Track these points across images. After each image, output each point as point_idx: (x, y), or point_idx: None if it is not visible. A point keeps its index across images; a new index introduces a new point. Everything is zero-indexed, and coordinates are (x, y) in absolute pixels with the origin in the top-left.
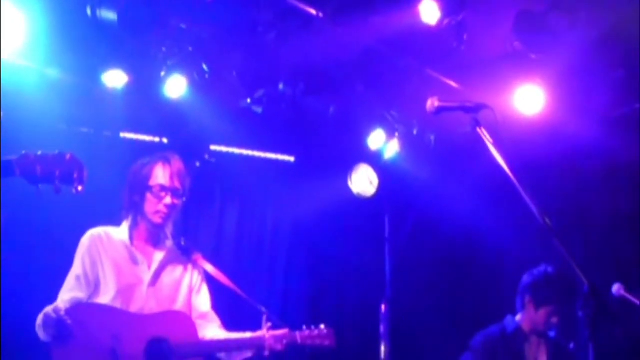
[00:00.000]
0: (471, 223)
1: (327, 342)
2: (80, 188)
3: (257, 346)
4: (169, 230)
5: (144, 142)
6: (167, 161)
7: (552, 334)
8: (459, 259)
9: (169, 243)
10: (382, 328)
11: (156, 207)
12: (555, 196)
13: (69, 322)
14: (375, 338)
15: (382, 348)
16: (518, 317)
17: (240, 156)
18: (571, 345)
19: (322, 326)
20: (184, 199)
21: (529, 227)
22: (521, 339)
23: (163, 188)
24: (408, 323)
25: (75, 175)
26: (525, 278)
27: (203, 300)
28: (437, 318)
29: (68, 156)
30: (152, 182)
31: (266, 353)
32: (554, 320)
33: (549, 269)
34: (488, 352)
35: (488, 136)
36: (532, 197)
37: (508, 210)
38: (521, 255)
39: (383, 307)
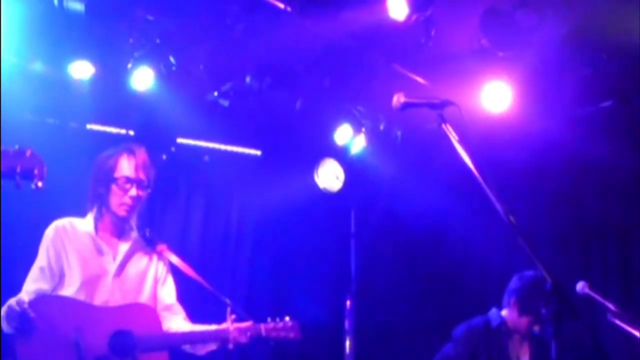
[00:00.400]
0: (437, 218)
1: (292, 335)
2: (40, 184)
3: (221, 338)
4: (134, 221)
5: (110, 134)
6: (131, 153)
7: (536, 329)
8: (424, 254)
9: (134, 234)
10: (347, 323)
11: (121, 199)
12: (520, 194)
13: (32, 314)
14: (340, 333)
15: (347, 343)
16: (504, 313)
17: (207, 149)
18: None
19: (287, 318)
20: (149, 190)
21: (495, 223)
22: (505, 334)
23: (128, 180)
24: (373, 318)
25: (36, 171)
26: (515, 280)
27: (168, 292)
28: (402, 313)
29: (28, 152)
30: (117, 174)
31: (230, 345)
32: (536, 328)
33: (538, 277)
34: (471, 344)
35: (453, 133)
36: (497, 195)
37: (474, 206)
38: (487, 250)
39: (348, 302)
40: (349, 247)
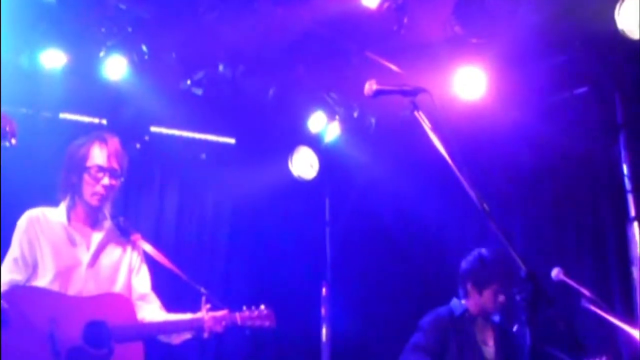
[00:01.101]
0: (411, 205)
1: (267, 323)
2: (13, 141)
3: (196, 327)
4: (107, 210)
5: (83, 123)
6: (103, 141)
7: (496, 318)
8: (399, 241)
9: (108, 223)
10: (323, 310)
11: (93, 188)
12: (493, 181)
13: (5, 306)
14: (317, 320)
15: (324, 330)
16: (464, 301)
17: (181, 138)
18: (514, 328)
19: (262, 307)
20: (122, 179)
21: (469, 209)
22: (469, 321)
23: (100, 169)
24: (349, 304)
25: (7, 129)
26: (463, 265)
27: (142, 282)
28: (377, 300)
29: None
30: (89, 163)
31: (205, 334)
32: (501, 299)
33: (483, 252)
34: (439, 332)
35: (426, 120)
36: (470, 182)
37: (448, 193)
38: (461, 236)
39: (324, 289)
40: (324, 235)
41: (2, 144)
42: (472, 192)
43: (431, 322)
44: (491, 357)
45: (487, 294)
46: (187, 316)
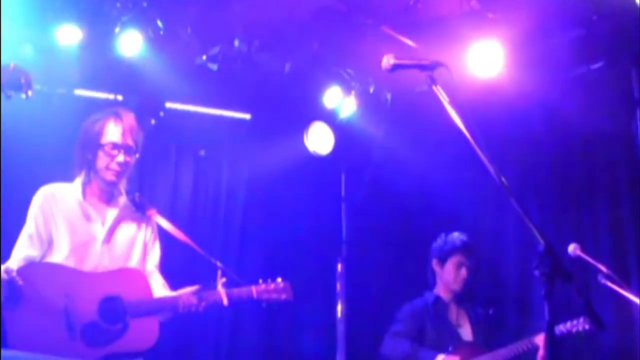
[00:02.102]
0: (427, 181)
1: (283, 296)
2: (30, 93)
3: (212, 302)
4: (122, 186)
5: (98, 100)
6: (118, 117)
7: (467, 304)
8: (415, 217)
9: (123, 199)
10: (338, 286)
11: (109, 164)
12: (511, 157)
13: (20, 282)
14: (332, 297)
15: (339, 306)
16: (435, 290)
17: (196, 113)
18: (490, 311)
19: (279, 280)
20: (137, 155)
21: (486, 185)
22: (442, 307)
23: (115, 146)
24: (365, 281)
25: (23, 81)
26: (430, 253)
27: (151, 259)
28: (394, 276)
29: (12, 65)
30: (103, 140)
31: (199, 307)
32: (463, 272)
33: (448, 235)
34: (415, 320)
35: (444, 94)
36: (488, 157)
37: (464, 169)
38: (478, 212)
39: (339, 265)
40: (339, 210)
41: (18, 96)
42: (490, 166)
43: (407, 312)
44: (469, 338)
45: (449, 266)
46: (190, 288)
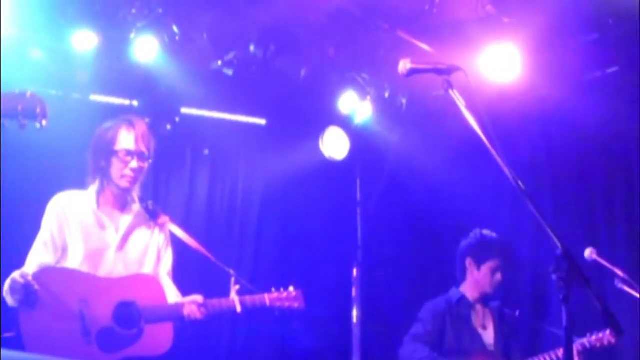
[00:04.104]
0: (443, 186)
1: (296, 305)
2: (44, 122)
3: (226, 309)
4: (136, 193)
5: (114, 105)
6: (131, 124)
7: (495, 303)
8: (430, 222)
9: (136, 207)
10: (354, 292)
11: (122, 171)
12: (527, 161)
13: (36, 287)
14: (347, 302)
15: (354, 312)
16: (461, 287)
17: (211, 119)
18: (517, 313)
19: (291, 288)
20: (151, 161)
21: (502, 190)
22: (466, 307)
23: (129, 152)
24: (380, 287)
25: (38, 110)
26: (462, 244)
27: (163, 266)
28: (408, 282)
29: (29, 93)
30: (117, 147)
31: (196, 315)
32: (498, 277)
33: (483, 231)
34: (437, 321)
35: (461, 99)
36: (505, 161)
37: (480, 174)
38: (493, 217)
39: (355, 270)
40: (355, 216)
41: (32, 125)
42: (507, 170)
43: (428, 312)
44: (490, 342)
45: (485, 270)
46: (192, 298)
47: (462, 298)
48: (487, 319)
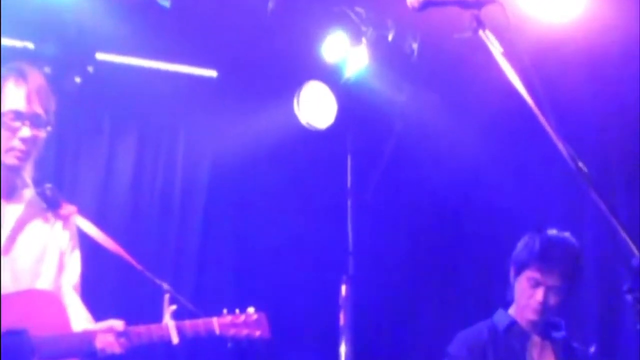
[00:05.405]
0: (468, 170)
1: (257, 332)
2: None
3: (157, 338)
4: (28, 174)
5: (3, 48)
6: (21, 76)
7: (560, 334)
8: (449, 217)
9: (29, 193)
10: (342, 317)
11: (9, 142)
12: (591, 134)
13: None
14: (333, 332)
15: (342, 347)
16: (511, 310)
17: (140, 69)
18: (591, 349)
19: (251, 310)
20: (49, 128)
21: (552, 176)
22: (519, 337)
23: (18, 115)
24: (379, 311)
25: None
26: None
27: (68, 276)
28: (418, 302)
29: None
30: (2, 108)
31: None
32: (538, 295)
33: (549, 230)
34: (475, 357)
35: (496, 43)
36: (559, 132)
37: (522, 152)
38: (540, 210)
39: (344, 287)
40: (344, 208)
41: None
42: (562, 145)
43: (462, 345)
44: None
45: (522, 282)
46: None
47: (513, 325)
48: (546, 355)
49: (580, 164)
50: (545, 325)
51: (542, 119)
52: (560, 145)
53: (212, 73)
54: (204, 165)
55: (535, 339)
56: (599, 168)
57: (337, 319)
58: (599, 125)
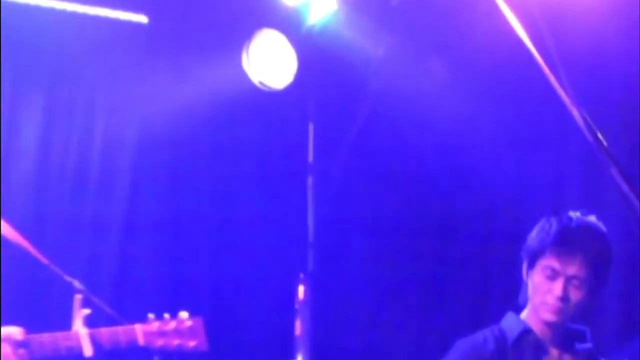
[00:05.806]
0: (458, 139)
1: (191, 343)
2: None
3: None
4: None
5: None
6: None
7: (584, 346)
8: (434, 200)
9: None
10: (298, 325)
11: None
12: (612, 101)
13: None
14: (288, 342)
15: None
16: (524, 314)
17: (49, 11)
18: None
19: (184, 315)
20: None
21: (567, 151)
22: (532, 349)
23: None
24: (345, 315)
25: None
26: None
27: None
28: (395, 306)
29: None
30: None
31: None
32: (556, 288)
33: (570, 213)
34: None
35: None
36: (575, 98)
37: (527, 118)
38: (553, 195)
39: (301, 288)
40: (304, 188)
41: None
42: (579, 114)
43: (461, 356)
44: None
45: (535, 272)
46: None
47: (526, 334)
48: None
49: (600, 135)
50: (566, 334)
51: (552, 79)
52: (576, 114)
53: (141, 18)
54: (130, 134)
55: (554, 352)
56: (623, 141)
57: (293, 327)
58: (620, 85)
